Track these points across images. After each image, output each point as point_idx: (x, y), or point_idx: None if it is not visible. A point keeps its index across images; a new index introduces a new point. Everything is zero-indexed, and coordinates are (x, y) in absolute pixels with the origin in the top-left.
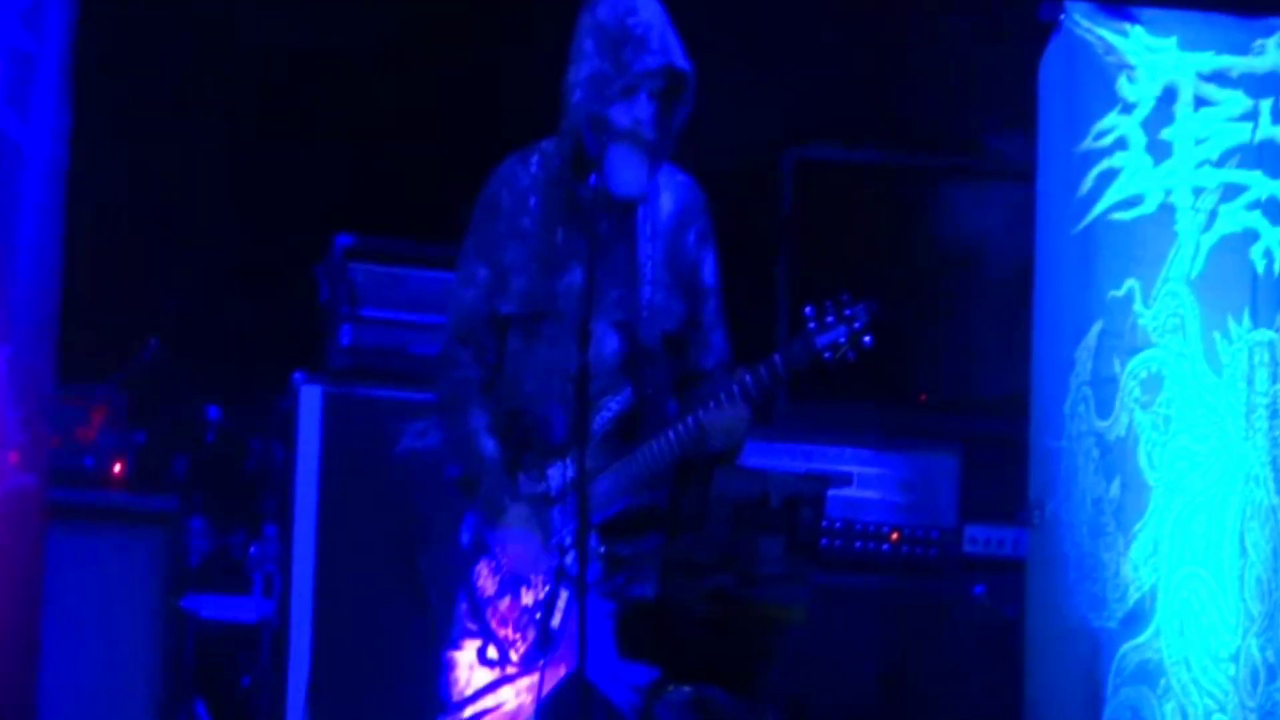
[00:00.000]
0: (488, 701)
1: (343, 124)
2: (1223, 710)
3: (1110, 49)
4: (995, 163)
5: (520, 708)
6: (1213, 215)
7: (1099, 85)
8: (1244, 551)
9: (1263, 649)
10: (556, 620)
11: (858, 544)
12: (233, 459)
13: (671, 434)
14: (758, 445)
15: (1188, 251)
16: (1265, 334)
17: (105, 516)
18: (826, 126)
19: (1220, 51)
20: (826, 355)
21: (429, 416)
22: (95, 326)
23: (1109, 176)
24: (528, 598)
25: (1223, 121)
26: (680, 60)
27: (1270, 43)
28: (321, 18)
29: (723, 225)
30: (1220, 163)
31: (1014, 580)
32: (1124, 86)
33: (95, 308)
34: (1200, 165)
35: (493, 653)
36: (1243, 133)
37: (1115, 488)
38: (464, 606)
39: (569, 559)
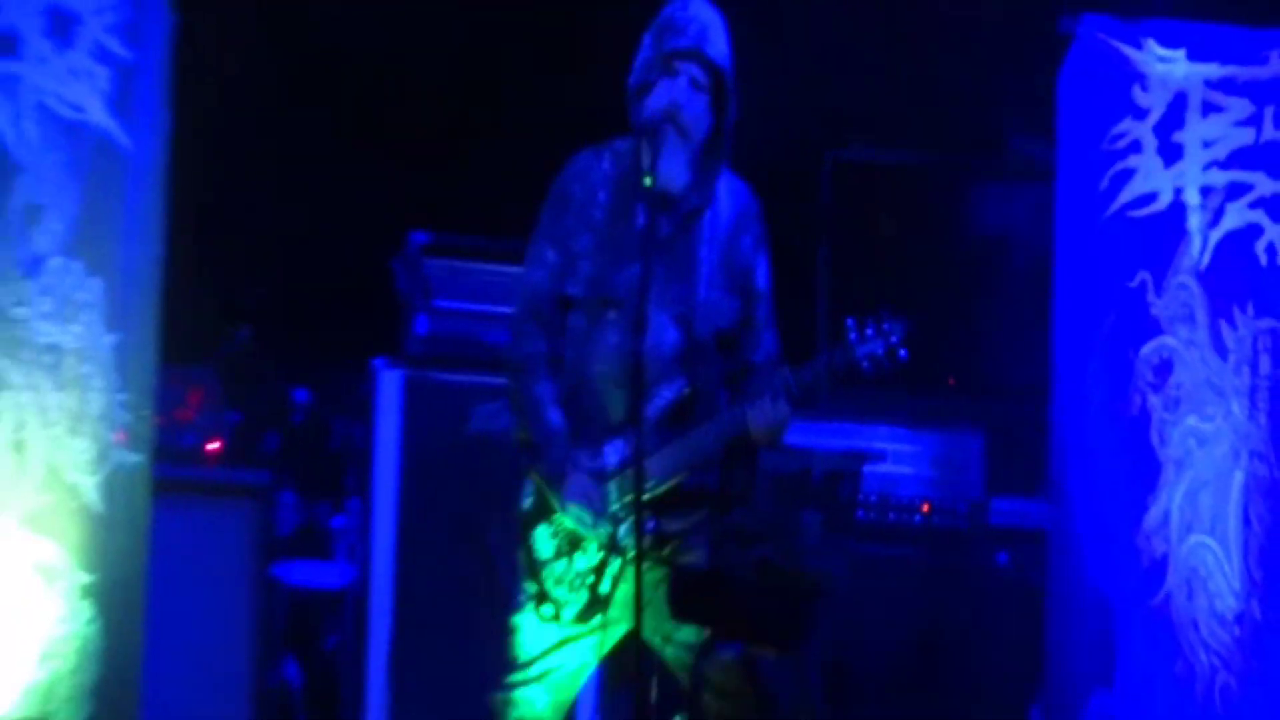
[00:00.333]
0: (551, 660)
1: (419, 130)
2: (1227, 669)
3: (1124, 59)
4: (1019, 164)
5: (582, 665)
6: (1219, 212)
7: (1114, 92)
8: (1248, 522)
9: (1265, 611)
10: (606, 585)
11: (891, 516)
12: (319, 438)
13: (719, 424)
14: (800, 425)
15: (1196, 246)
16: (1268, 322)
17: (203, 490)
18: (862, 130)
19: (1226, 61)
20: (865, 365)
21: (498, 400)
22: (193, 315)
23: (1124, 177)
24: (581, 562)
25: (1229, 126)
26: (712, 51)
27: (1274, 53)
28: (402, 35)
29: (767, 221)
30: (1227, 164)
31: (1036, 549)
32: (1137, 93)
33: (193, 298)
34: (1208, 166)
35: (548, 611)
36: (1247, 136)
37: (1129, 464)
38: (524, 567)
39: (621, 530)
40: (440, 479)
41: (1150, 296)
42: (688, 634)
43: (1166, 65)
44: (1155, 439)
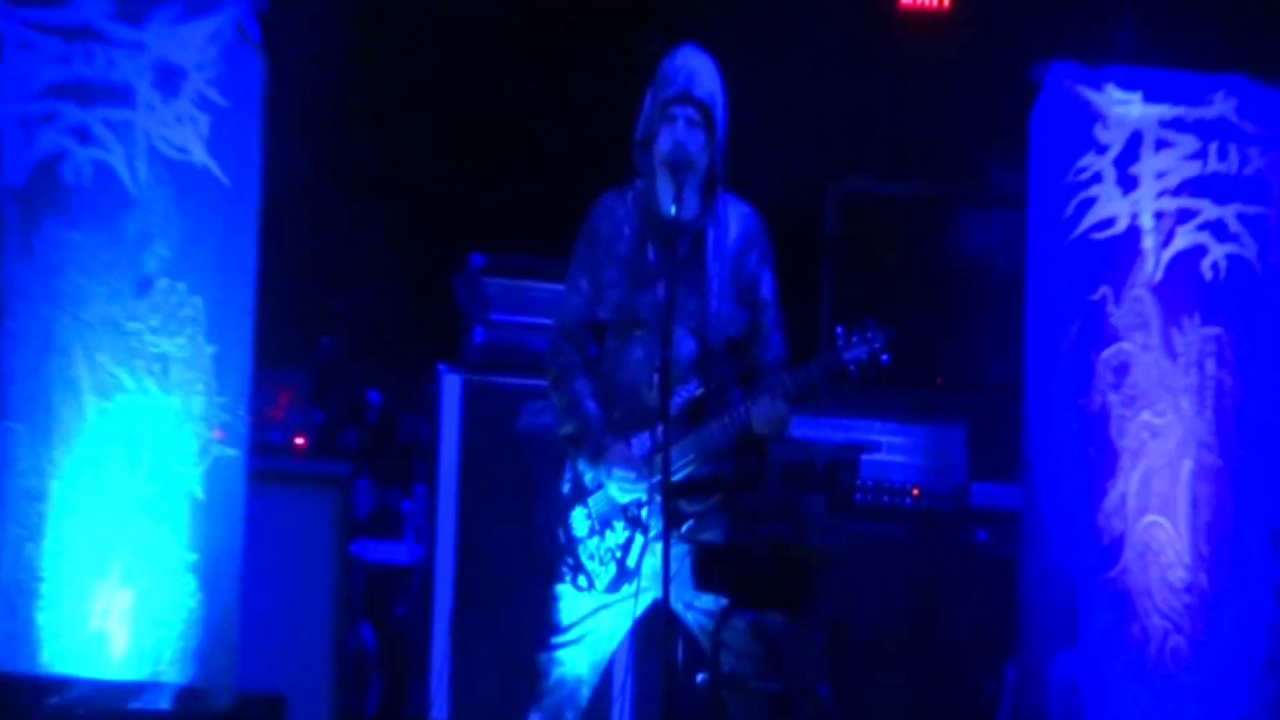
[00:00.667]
0: (588, 625)
1: (479, 165)
2: (1178, 631)
3: (1087, 102)
4: (996, 194)
5: (616, 629)
6: (1170, 234)
7: (1078, 130)
8: (1195, 504)
9: (1211, 582)
10: (633, 559)
11: (885, 499)
12: (390, 433)
13: (727, 419)
14: (805, 420)
15: (1150, 264)
16: (1213, 329)
17: (292, 480)
18: (862, 165)
19: (1176, 103)
20: (851, 368)
21: (544, 400)
22: (284, 327)
23: (1087, 204)
24: (611, 539)
25: (1179, 159)
26: (697, 90)
27: (1216, 96)
28: (462, 79)
29: (777, 246)
30: (1177, 192)
31: (1011, 528)
32: (1099, 131)
33: (284, 312)
34: (1161, 194)
35: (583, 581)
36: (1195, 168)
37: (1092, 453)
38: (562, 543)
39: (645, 512)
40: (494, 468)
41: (1110, 307)
42: (708, 602)
43: (1124, 107)
44: (1114, 431)
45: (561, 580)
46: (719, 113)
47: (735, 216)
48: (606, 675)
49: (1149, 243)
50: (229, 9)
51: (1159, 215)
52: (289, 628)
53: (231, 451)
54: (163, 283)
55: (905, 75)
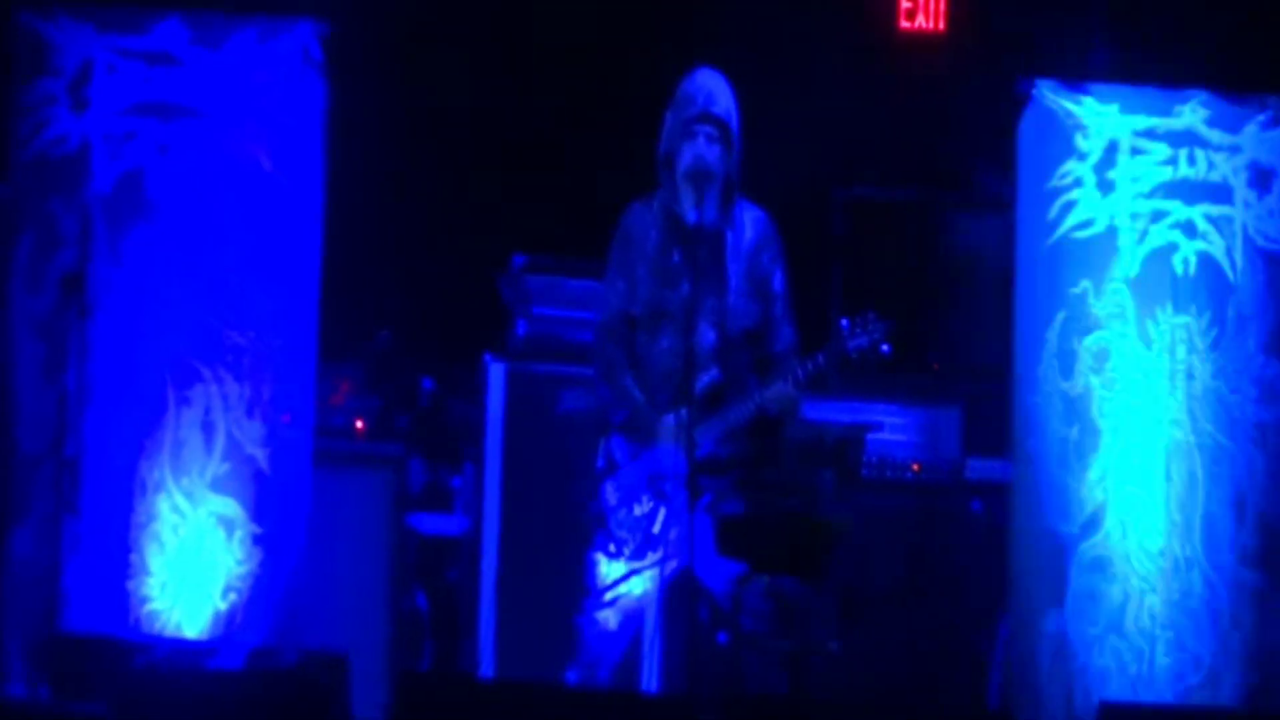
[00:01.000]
0: (620, 589)
1: (522, 171)
2: (1154, 591)
3: (1069, 114)
4: (986, 197)
5: (645, 592)
6: (1145, 233)
7: (1061, 139)
8: (1169, 477)
9: (1182, 547)
10: (657, 528)
11: (888, 473)
12: (441, 416)
13: (743, 404)
14: (815, 403)
15: (1127, 260)
16: (1183, 319)
17: (352, 460)
18: (863, 173)
19: (1149, 115)
20: (854, 356)
21: (581, 387)
22: (343, 321)
23: (1069, 207)
24: (638, 510)
25: (1152, 165)
26: (715, 108)
27: (1184, 108)
28: (505, 103)
29: (788, 246)
30: (1150, 195)
31: (1003, 499)
32: (1079, 140)
33: (344, 307)
34: (1136, 197)
35: (613, 549)
36: (1166, 173)
37: (1075, 431)
38: (596, 514)
39: (669, 486)
40: (535, 448)
41: (1091, 299)
42: (729, 568)
43: (1102, 118)
44: (1095, 412)
45: (596, 548)
46: (735, 128)
47: (750, 220)
48: (637, 634)
49: (1125, 241)
50: (297, 34)
51: (1134, 216)
52: (350, 593)
53: (297, 433)
54: (236, 284)
55: (904, 91)
